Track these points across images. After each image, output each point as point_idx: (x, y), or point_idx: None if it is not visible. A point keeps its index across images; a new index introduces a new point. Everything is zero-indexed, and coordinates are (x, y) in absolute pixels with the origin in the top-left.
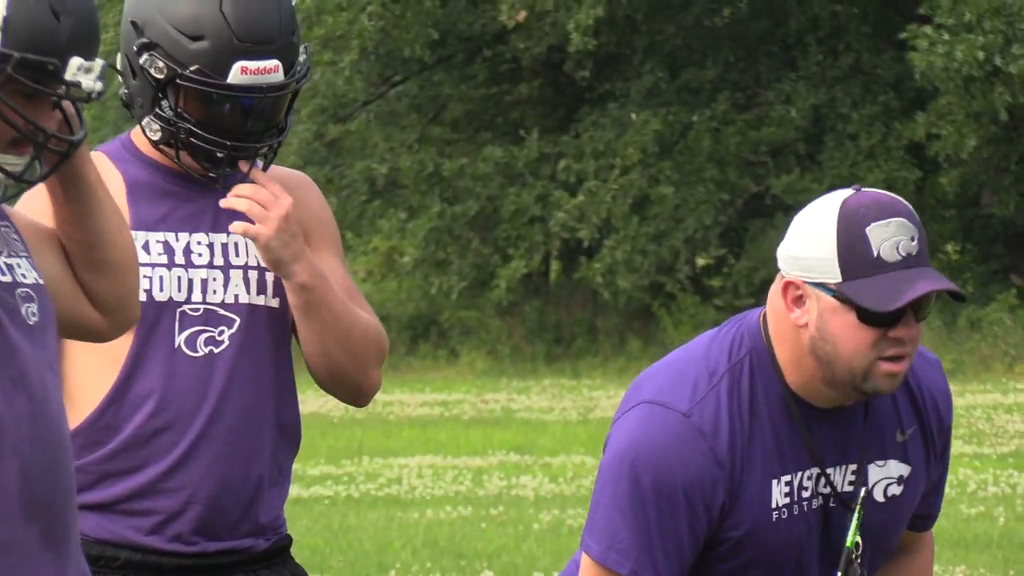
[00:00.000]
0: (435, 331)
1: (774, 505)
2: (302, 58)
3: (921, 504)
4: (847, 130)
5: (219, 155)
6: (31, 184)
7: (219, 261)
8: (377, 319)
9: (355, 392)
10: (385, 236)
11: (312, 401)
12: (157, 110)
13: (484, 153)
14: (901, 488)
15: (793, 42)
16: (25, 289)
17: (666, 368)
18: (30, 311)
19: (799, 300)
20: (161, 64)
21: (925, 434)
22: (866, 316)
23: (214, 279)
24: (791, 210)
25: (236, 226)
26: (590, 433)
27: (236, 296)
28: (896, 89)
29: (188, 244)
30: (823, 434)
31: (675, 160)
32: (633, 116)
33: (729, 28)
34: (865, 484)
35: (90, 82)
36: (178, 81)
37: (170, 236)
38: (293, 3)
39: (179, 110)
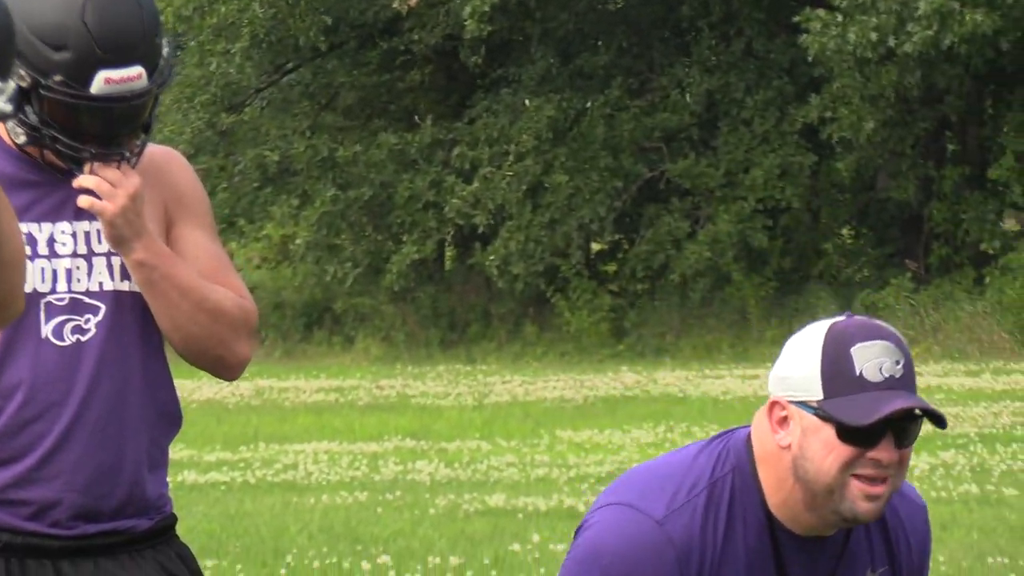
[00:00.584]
0: (329, 318)
1: None
2: (165, 51)
3: None
4: (741, 115)
5: (84, 157)
6: None
7: (82, 249)
8: (244, 292)
9: (219, 365)
10: (278, 223)
11: (207, 388)
12: (21, 115)
13: (378, 140)
14: None
15: (686, 27)
16: None
17: (651, 470)
18: None
19: (783, 421)
20: (23, 72)
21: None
22: (844, 433)
23: (78, 267)
24: (687, 195)
25: (83, 200)
26: (485, 418)
27: (100, 284)
28: (790, 74)
29: (52, 234)
30: (797, 560)
31: (569, 147)
32: (527, 102)
33: (622, 13)
34: None
35: (0, 103)
36: (40, 91)
37: (33, 227)
38: None
39: (43, 116)
